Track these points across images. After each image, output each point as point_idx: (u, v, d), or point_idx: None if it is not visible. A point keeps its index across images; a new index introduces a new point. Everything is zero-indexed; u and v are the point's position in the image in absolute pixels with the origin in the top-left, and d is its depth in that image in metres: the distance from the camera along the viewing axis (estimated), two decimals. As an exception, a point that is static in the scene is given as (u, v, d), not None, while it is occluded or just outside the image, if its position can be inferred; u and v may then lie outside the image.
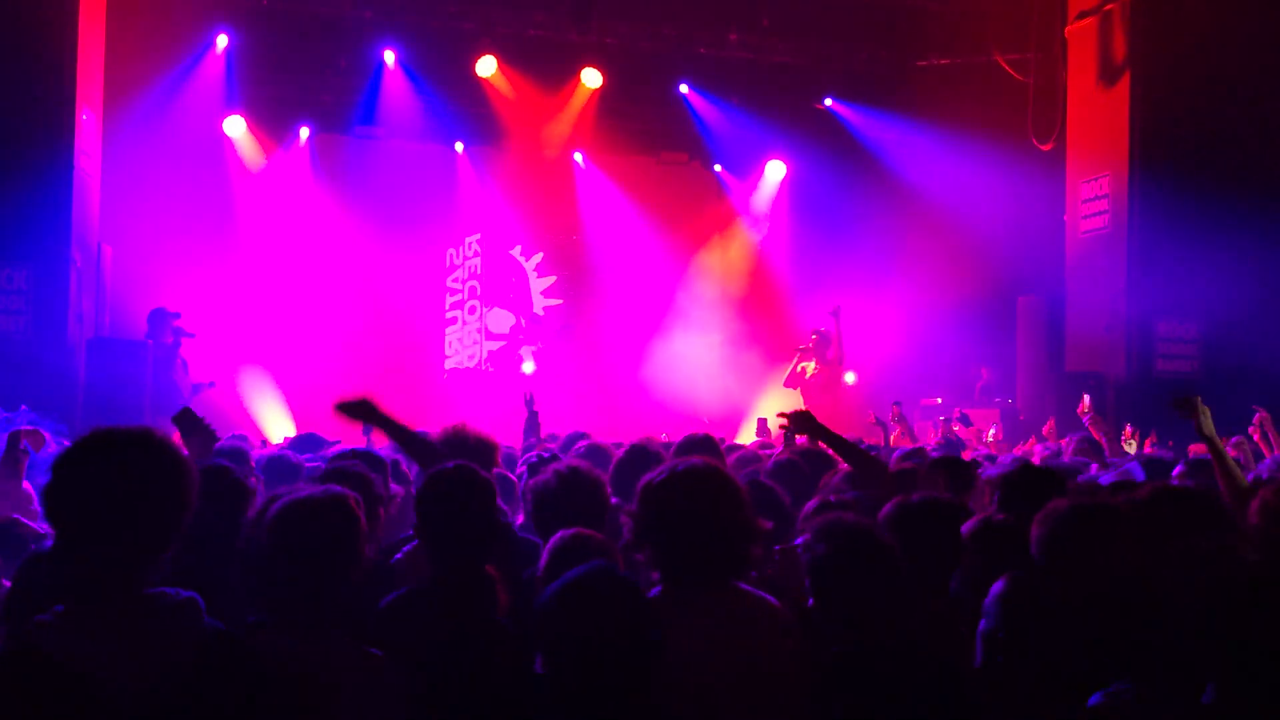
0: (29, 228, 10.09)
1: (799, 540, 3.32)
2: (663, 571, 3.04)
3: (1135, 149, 11.63)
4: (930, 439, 10.74)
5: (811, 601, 3.09)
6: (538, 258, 16.18)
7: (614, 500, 4.14)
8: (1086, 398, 9.43)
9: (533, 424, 8.21)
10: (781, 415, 5.17)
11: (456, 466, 3.47)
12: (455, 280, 15.94)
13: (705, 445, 4.97)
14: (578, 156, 15.77)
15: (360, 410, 4.47)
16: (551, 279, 16.20)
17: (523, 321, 16.06)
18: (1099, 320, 11.93)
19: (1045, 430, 10.07)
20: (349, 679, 2.77)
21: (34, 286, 10.21)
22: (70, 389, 9.94)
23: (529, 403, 8.45)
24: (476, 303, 16.00)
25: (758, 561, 3.21)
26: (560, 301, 16.18)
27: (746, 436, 12.28)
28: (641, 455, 4.74)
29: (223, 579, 3.12)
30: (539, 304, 16.09)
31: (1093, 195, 12.18)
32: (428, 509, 3.37)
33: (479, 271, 16.02)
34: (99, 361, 10.34)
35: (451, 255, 15.89)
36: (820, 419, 4.96)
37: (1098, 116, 12.13)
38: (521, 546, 4.08)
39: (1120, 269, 11.72)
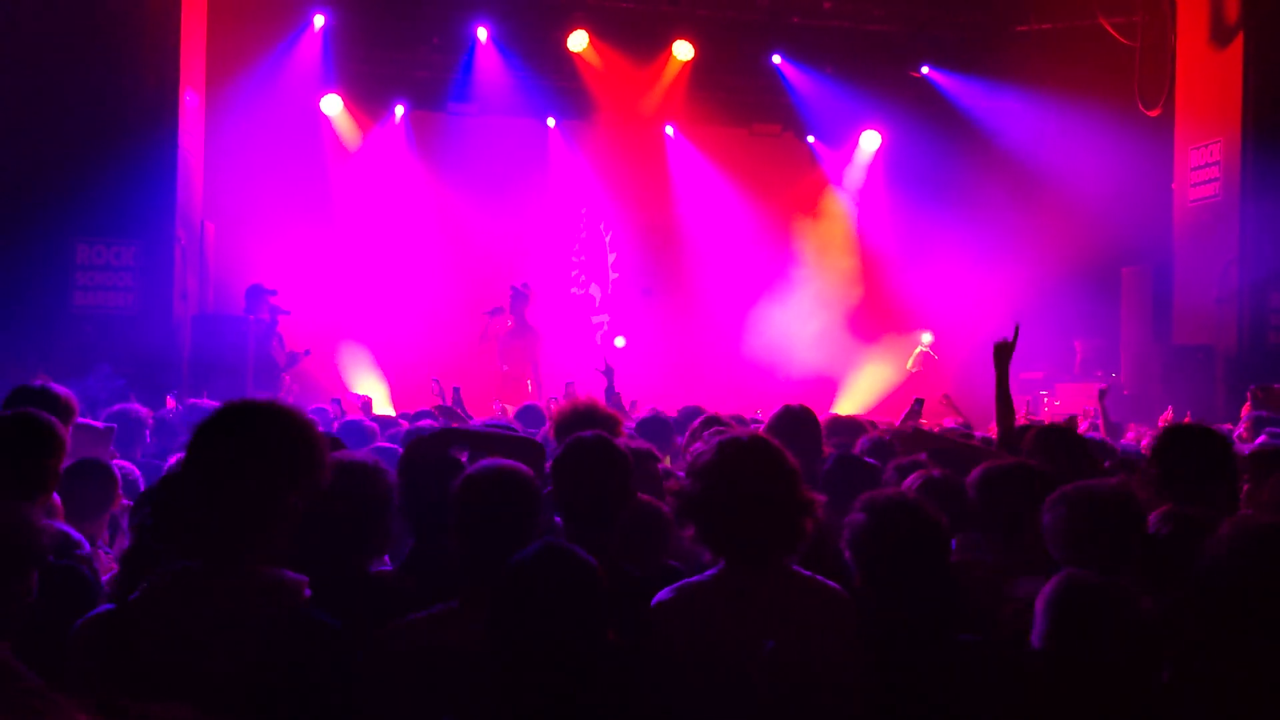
0: (136, 207, 10.36)
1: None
2: (711, 550, 2.98)
3: (1248, 114, 11.19)
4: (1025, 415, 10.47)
5: (857, 578, 3.03)
6: (630, 231, 16.17)
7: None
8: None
9: (611, 395, 8.26)
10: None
11: (595, 436, 3.45)
12: (574, 253, 16.02)
13: (802, 418, 4.87)
14: (669, 129, 15.70)
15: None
16: (644, 252, 16.17)
17: (610, 295, 16.06)
18: (1208, 291, 11.54)
19: (1163, 420, 9.51)
20: None
21: (141, 264, 10.50)
22: (175, 363, 10.22)
23: (607, 373, 8.50)
24: (582, 275, 16.08)
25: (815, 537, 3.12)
26: (653, 274, 16.14)
27: (841, 408, 12.16)
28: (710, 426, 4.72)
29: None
30: (632, 277, 16.07)
31: (1203, 162, 11.76)
32: (564, 479, 3.34)
33: (580, 246, 16.07)
34: (203, 336, 10.61)
35: (563, 230, 15.94)
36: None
37: (1209, 80, 11.69)
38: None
39: (1232, 238, 11.31)
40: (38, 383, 4.64)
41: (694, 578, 2.99)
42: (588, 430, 3.58)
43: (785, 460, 3.00)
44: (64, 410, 4.56)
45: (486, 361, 13.31)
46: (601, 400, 5.89)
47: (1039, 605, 2.67)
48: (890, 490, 3.30)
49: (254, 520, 2.44)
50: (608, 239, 16.17)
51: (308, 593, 2.50)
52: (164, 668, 2.33)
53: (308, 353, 11.64)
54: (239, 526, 2.43)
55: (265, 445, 2.46)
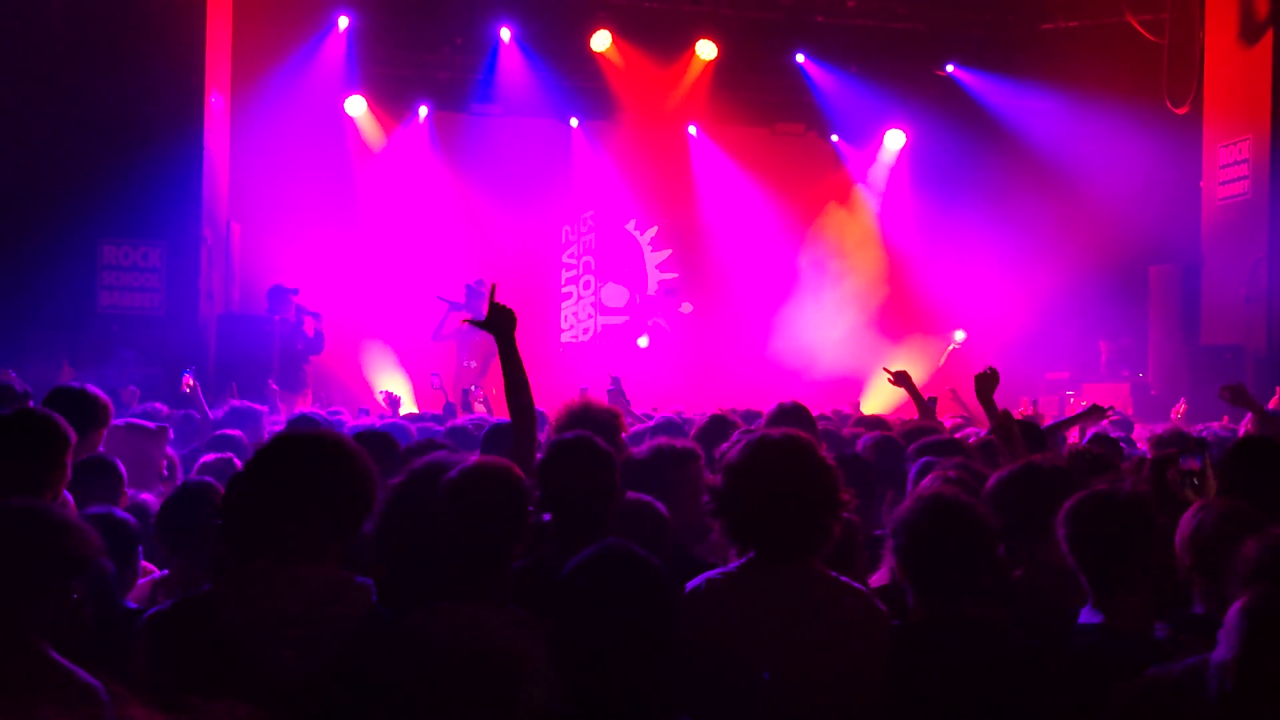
0: (162, 208, 10.42)
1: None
2: (737, 546, 2.98)
3: (1278, 111, 11.07)
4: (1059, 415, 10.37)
5: (897, 567, 3.03)
6: (652, 232, 16.15)
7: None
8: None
9: (617, 399, 8.28)
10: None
11: (576, 437, 3.45)
12: (570, 255, 16.01)
13: (796, 414, 4.90)
14: (692, 129, 15.67)
15: (499, 323, 4.31)
16: (666, 253, 16.15)
17: (637, 296, 16.06)
18: (1237, 291, 11.42)
19: (1175, 413, 9.36)
20: (534, 649, 2.76)
21: (167, 264, 10.56)
22: (200, 363, 10.26)
23: (615, 380, 8.54)
24: (591, 277, 16.06)
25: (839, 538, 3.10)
26: (675, 275, 16.13)
27: (866, 408, 12.09)
28: (720, 425, 4.76)
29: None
30: (653, 278, 16.07)
31: (1232, 160, 11.65)
32: (550, 478, 3.34)
33: (594, 246, 16.07)
34: (228, 336, 10.66)
35: (567, 230, 15.96)
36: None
37: (1237, 77, 11.58)
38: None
39: (1261, 237, 11.19)
40: (77, 384, 4.64)
41: (719, 569, 3.00)
42: (585, 429, 3.59)
43: (817, 459, 2.97)
44: (99, 412, 4.56)
45: (447, 358, 13.31)
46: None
47: (1228, 625, 2.45)
48: (943, 488, 3.29)
49: (317, 531, 2.51)
50: (644, 239, 16.14)
51: (374, 596, 2.54)
52: (231, 666, 2.35)
53: (318, 315, 11.61)
54: (303, 535, 2.50)
55: (327, 477, 2.55)
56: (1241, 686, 2.32)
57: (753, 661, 2.82)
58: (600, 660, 2.41)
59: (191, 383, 7.49)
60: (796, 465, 2.92)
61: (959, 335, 14.47)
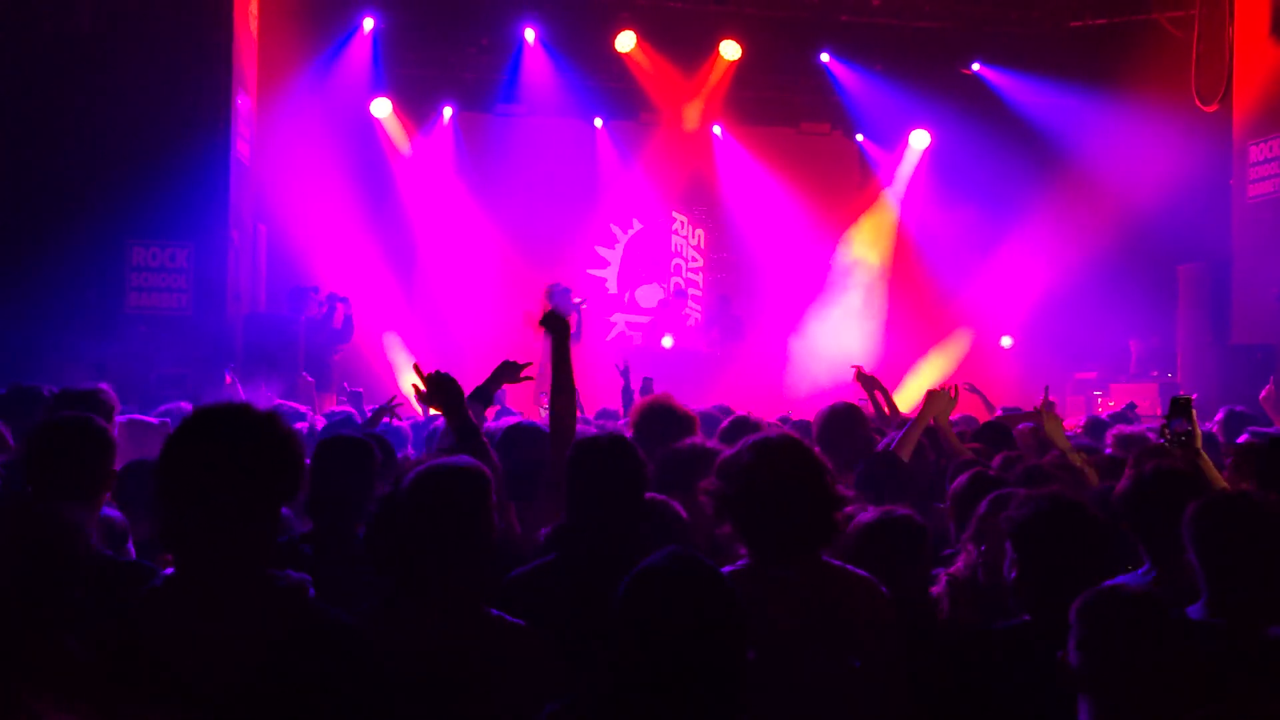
0: (189, 209, 10.45)
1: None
2: (748, 545, 3.05)
3: (1310, 108, 10.97)
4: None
5: (1014, 573, 3.06)
6: (678, 232, 16.12)
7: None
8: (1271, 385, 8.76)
9: (628, 395, 8.25)
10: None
11: (608, 436, 3.42)
12: (597, 254, 15.99)
13: (848, 415, 4.93)
14: (716, 129, 15.65)
15: (557, 326, 4.33)
16: (692, 253, 16.12)
17: (660, 297, 16.02)
18: (1268, 290, 11.30)
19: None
20: (495, 653, 2.70)
21: (195, 265, 10.60)
22: (228, 363, 10.30)
23: (624, 373, 8.50)
24: (625, 278, 16.07)
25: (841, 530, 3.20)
26: (701, 276, 16.10)
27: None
28: (743, 427, 4.77)
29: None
30: (680, 278, 16.03)
31: (1262, 158, 11.53)
32: (575, 478, 3.30)
33: (623, 247, 16.05)
34: (255, 336, 10.70)
35: (596, 231, 15.92)
36: None
37: (1268, 74, 11.44)
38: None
39: (1292, 236, 11.08)
40: (87, 385, 4.69)
41: (728, 566, 3.00)
42: (669, 427, 3.55)
43: (816, 458, 3.10)
44: (105, 409, 4.61)
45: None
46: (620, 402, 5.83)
47: (1071, 617, 2.59)
48: (1057, 488, 3.33)
49: (236, 524, 2.37)
50: (675, 239, 16.13)
51: (311, 592, 2.43)
52: (170, 674, 2.27)
53: (345, 299, 11.66)
54: (222, 530, 2.37)
55: (238, 451, 2.38)
56: (1089, 689, 2.43)
57: (769, 653, 2.80)
58: (670, 673, 2.29)
59: (231, 379, 7.54)
60: (801, 463, 3.04)
61: (1006, 341, 14.45)
